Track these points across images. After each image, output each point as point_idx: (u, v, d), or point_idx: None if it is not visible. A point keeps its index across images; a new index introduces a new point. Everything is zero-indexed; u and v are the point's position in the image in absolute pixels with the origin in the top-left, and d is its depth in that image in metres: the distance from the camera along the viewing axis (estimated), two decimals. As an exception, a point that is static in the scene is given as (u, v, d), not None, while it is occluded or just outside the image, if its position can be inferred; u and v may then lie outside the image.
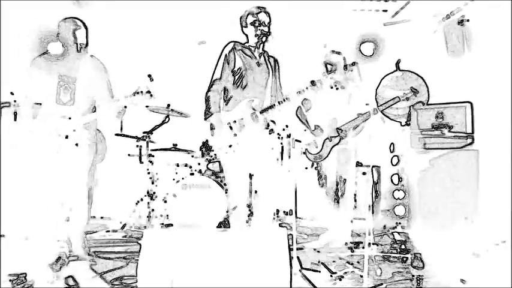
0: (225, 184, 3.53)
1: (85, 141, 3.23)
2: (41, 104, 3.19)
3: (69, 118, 3.18)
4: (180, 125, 4.33)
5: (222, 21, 4.58)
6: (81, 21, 3.29)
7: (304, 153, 3.89)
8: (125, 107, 3.29)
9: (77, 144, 3.19)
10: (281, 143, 3.60)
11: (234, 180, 3.40)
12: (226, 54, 3.46)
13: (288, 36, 4.81)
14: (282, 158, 3.62)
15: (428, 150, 4.17)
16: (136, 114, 4.41)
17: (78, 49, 3.23)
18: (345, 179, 3.85)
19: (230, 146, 3.35)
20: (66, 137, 3.16)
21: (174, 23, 4.85)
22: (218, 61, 3.51)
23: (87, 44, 3.30)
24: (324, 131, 3.79)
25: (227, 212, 3.60)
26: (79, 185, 3.20)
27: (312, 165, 3.98)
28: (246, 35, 3.52)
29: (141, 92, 3.24)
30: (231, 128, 3.30)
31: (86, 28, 3.29)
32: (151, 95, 3.30)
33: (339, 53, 3.88)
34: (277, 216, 3.90)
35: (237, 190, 3.38)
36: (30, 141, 3.17)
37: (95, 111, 3.32)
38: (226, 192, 3.47)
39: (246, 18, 3.44)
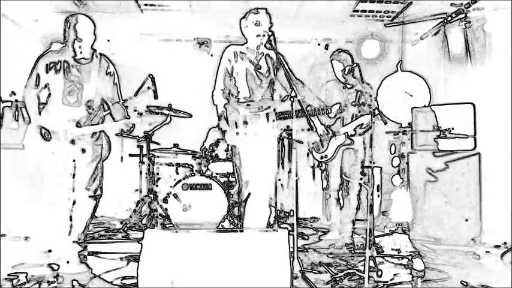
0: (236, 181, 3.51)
1: (86, 143, 3.17)
2: (46, 103, 3.13)
3: (78, 125, 3.13)
4: (182, 125, 4.32)
5: (224, 21, 4.58)
6: (90, 17, 3.19)
7: (310, 152, 3.88)
8: (133, 125, 3.21)
9: (84, 150, 3.14)
10: (282, 144, 3.60)
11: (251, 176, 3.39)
12: (225, 66, 3.44)
13: (288, 36, 4.82)
14: (283, 159, 3.62)
15: (430, 152, 4.17)
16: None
17: (75, 44, 3.09)
18: (348, 180, 3.84)
19: (237, 133, 3.33)
20: (73, 142, 3.11)
21: (176, 23, 4.85)
22: (219, 67, 3.48)
23: (94, 41, 3.19)
24: (329, 131, 3.79)
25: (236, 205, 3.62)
26: (82, 185, 3.17)
27: (318, 165, 3.97)
28: (246, 38, 3.49)
29: (148, 87, 3.21)
30: (245, 122, 3.31)
31: (94, 25, 3.18)
32: (155, 96, 3.27)
33: (346, 51, 3.87)
34: (278, 217, 3.89)
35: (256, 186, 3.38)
36: (33, 141, 3.13)
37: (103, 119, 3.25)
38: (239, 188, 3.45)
39: (248, 18, 3.41)
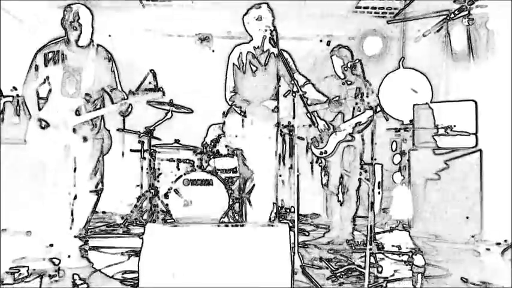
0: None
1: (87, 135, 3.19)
2: (47, 98, 3.14)
3: (77, 113, 3.13)
4: (183, 120, 4.33)
5: (226, 16, 4.57)
6: (88, 8, 3.19)
7: (310, 148, 3.88)
8: (130, 105, 3.21)
9: (85, 139, 3.15)
10: (283, 140, 3.60)
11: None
12: (233, 63, 3.47)
13: (290, 33, 4.81)
14: (283, 155, 3.63)
15: (431, 149, 4.17)
16: (138, 109, 4.41)
17: (77, 30, 3.09)
18: (348, 176, 3.83)
19: (236, 136, 3.39)
20: (74, 130, 3.12)
21: (177, 19, 4.85)
22: (227, 68, 3.51)
23: (93, 32, 3.20)
24: (330, 126, 3.78)
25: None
26: (83, 180, 3.17)
27: (317, 161, 3.97)
28: (250, 34, 3.50)
29: (153, 89, 3.22)
30: (245, 115, 3.36)
31: (92, 16, 3.19)
32: (163, 94, 3.28)
33: (346, 47, 3.86)
34: (278, 213, 3.89)
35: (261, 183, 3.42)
36: (36, 136, 3.13)
37: (101, 105, 3.25)
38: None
39: (249, 13, 3.41)
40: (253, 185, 3.43)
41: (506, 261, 3.43)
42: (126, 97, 3.22)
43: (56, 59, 3.10)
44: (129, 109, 3.21)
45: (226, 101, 3.53)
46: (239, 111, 3.46)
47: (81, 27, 3.10)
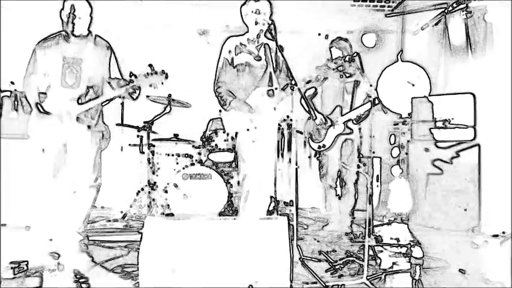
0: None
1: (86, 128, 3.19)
2: (45, 93, 3.14)
3: (79, 101, 3.13)
4: (182, 115, 4.32)
5: (224, 10, 4.56)
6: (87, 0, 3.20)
7: (308, 142, 3.88)
8: (139, 87, 3.21)
9: (89, 127, 3.15)
10: (282, 133, 3.60)
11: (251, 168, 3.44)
12: (225, 57, 3.45)
13: (288, 27, 4.79)
14: (282, 149, 3.62)
15: (429, 143, 4.18)
16: (137, 104, 4.40)
17: (73, 22, 3.09)
18: (347, 169, 3.84)
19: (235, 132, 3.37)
20: (77, 119, 3.12)
21: (176, 12, 4.83)
22: (219, 59, 3.49)
23: (91, 22, 3.20)
24: (328, 120, 3.77)
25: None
26: (82, 175, 3.18)
27: (315, 155, 3.97)
28: (246, 25, 3.48)
29: (156, 72, 3.19)
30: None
31: (91, 7, 3.19)
32: (166, 76, 3.26)
33: (346, 40, 3.85)
34: (277, 206, 3.90)
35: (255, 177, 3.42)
36: (38, 131, 3.14)
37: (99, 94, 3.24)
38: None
39: (248, 5, 3.40)
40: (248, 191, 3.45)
41: (504, 252, 3.45)
42: (128, 82, 3.22)
43: (54, 50, 3.11)
44: (137, 91, 3.20)
45: (214, 91, 3.51)
46: (222, 104, 3.44)
47: (74, 18, 3.10)
